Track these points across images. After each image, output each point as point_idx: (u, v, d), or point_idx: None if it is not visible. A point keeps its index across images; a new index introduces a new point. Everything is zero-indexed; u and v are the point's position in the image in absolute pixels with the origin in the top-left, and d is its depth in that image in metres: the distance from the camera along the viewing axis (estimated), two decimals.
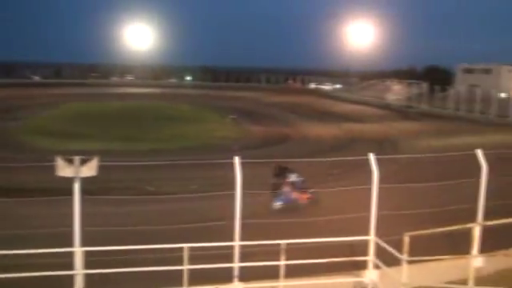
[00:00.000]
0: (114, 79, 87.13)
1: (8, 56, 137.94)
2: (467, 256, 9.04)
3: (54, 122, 39.93)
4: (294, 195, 15.03)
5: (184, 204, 15.20)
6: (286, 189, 15.00)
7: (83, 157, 8.01)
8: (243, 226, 9.12)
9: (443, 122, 41.29)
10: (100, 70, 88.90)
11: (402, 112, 51.03)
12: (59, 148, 24.36)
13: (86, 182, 8.24)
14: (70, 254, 8.30)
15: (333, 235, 10.14)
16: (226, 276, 9.09)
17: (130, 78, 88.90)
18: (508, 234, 10.31)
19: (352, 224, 10.89)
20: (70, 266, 8.34)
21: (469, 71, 72.32)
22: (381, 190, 9.74)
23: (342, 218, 11.90)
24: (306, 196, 15.02)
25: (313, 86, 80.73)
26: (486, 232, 9.76)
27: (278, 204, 14.86)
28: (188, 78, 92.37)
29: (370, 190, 9.78)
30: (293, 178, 15.21)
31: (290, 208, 14.82)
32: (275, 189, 15.25)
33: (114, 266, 8.50)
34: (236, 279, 9.08)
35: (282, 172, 15.44)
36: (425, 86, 58.21)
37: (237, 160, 9.06)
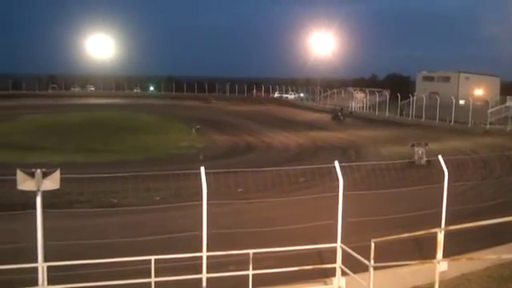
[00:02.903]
0: (75, 90, 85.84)
1: None
2: (432, 261, 9.16)
3: (14, 134, 38.92)
4: None
5: (148, 215, 15.02)
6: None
7: (45, 170, 7.80)
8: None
9: (405, 129, 42.09)
10: (60, 80, 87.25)
11: (365, 119, 51.83)
12: (19, 161, 23.75)
13: (48, 195, 8.04)
14: (34, 270, 8.07)
15: (301, 243, 10.17)
16: (195, 287, 8.99)
17: (91, 88, 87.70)
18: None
19: (320, 232, 10.96)
20: (34, 282, 8.11)
21: (428, 79, 73.86)
22: (347, 196, 9.81)
23: (309, 226, 11.95)
24: None
25: (277, 94, 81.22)
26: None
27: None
28: (151, 88, 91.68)
29: (335, 197, 9.84)
30: None
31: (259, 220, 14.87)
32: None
33: (80, 281, 8.30)
34: None
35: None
36: (387, 93, 59.29)
37: (202, 170, 8.98)
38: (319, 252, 10.79)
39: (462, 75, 68.72)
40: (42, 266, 7.97)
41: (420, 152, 25.69)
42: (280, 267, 9.25)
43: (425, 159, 25.00)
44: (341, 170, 9.77)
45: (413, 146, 26.26)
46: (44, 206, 7.86)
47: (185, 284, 8.92)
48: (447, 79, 69.75)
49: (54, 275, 8.15)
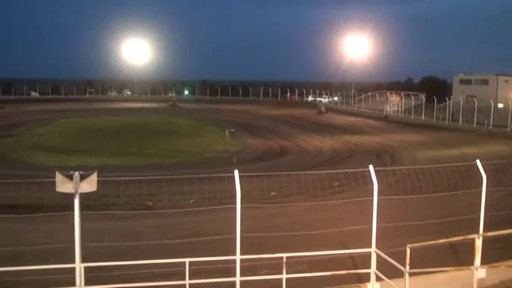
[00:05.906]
0: (112, 94, 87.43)
1: (7, 73, 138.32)
2: (470, 267, 8.96)
3: (53, 137, 39.89)
4: None
5: (182, 218, 15.14)
6: None
7: (82, 172, 7.93)
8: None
9: (442, 132, 41.34)
10: (97, 85, 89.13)
11: (400, 123, 51.14)
12: (58, 163, 24.31)
13: (85, 197, 8.19)
14: (71, 270, 8.23)
15: (334, 248, 10.10)
16: None
17: (128, 92, 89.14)
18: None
19: (354, 236, 10.85)
20: (71, 283, 8.27)
21: (466, 82, 72.45)
22: (382, 201, 9.68)
23: (343, 230, 11.85)
24: None
25: (310, 98, 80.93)
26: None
27: None
28: (186, 92, 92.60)
29: (370, 201, 9.72)
30: None
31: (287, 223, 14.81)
32: None
33: (116, 282, 8.43)
34: None
35: None
36: (423, 97, 58.37)
37: (236, 174, 9.00)
38: (353, 257, 10.69)
39: (501, 78, 67.14)
40: (79, 266, 8.11)
41: (323, 108, 64.07)
42: (313, 272, 9.20)
43: (325, 110, 63.03)
44: (375, 175, 9.65)
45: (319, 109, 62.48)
46: (82, 208, 8.00)
47: (218, 287, 8.96)
48: (485, 82, 68.23)
49: (90, 276, 8.30)
